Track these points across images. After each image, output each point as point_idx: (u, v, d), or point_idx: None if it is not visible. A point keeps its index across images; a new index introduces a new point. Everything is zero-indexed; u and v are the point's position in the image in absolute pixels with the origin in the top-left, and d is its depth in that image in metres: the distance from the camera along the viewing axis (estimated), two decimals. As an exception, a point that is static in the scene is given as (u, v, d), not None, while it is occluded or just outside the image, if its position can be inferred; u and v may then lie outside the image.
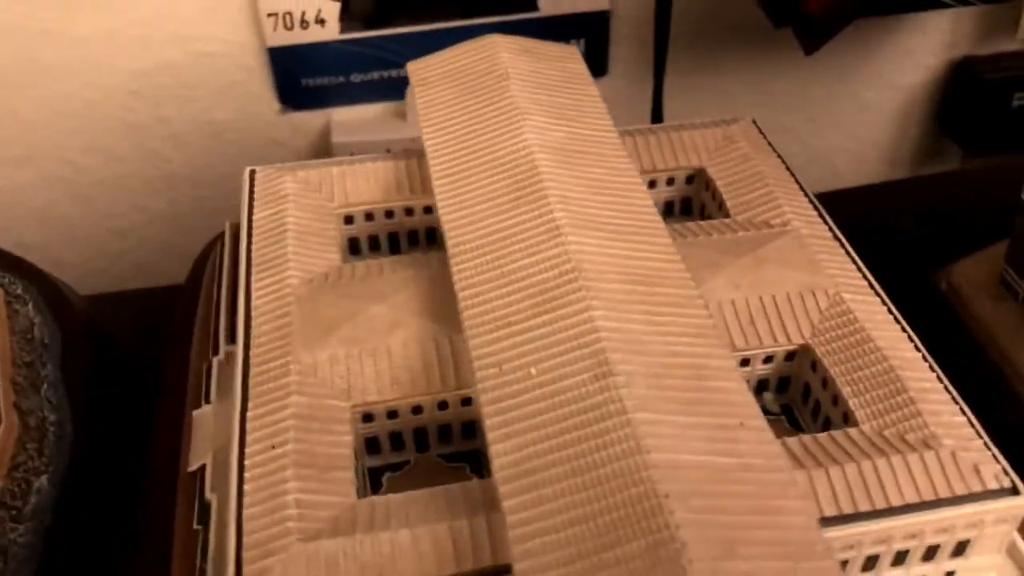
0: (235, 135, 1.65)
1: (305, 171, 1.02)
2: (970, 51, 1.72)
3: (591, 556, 0.61)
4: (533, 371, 0.73)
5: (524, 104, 0.97)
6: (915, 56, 1.72)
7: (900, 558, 0.74)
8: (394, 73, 1.61)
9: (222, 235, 1.17)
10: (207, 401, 0.94)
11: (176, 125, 1.62)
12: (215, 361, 0.96)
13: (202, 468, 0.88)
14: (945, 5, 1.53)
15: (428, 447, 0.85)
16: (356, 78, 1.61)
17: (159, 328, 1.16)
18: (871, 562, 0.73)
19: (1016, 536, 0.78)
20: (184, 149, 1.65)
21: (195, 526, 0.84)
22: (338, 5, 1.53)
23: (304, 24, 1.54)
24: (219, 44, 1.55)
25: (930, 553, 0.74)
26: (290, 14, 1.53)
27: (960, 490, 0.72)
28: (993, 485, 0.72)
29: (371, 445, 0.83)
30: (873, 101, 1.77)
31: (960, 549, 0.75)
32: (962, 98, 1.73)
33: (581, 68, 1.07)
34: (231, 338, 0.99)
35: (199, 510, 0.85)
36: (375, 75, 1.60)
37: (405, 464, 0.85)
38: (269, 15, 1.52)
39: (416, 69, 1.08)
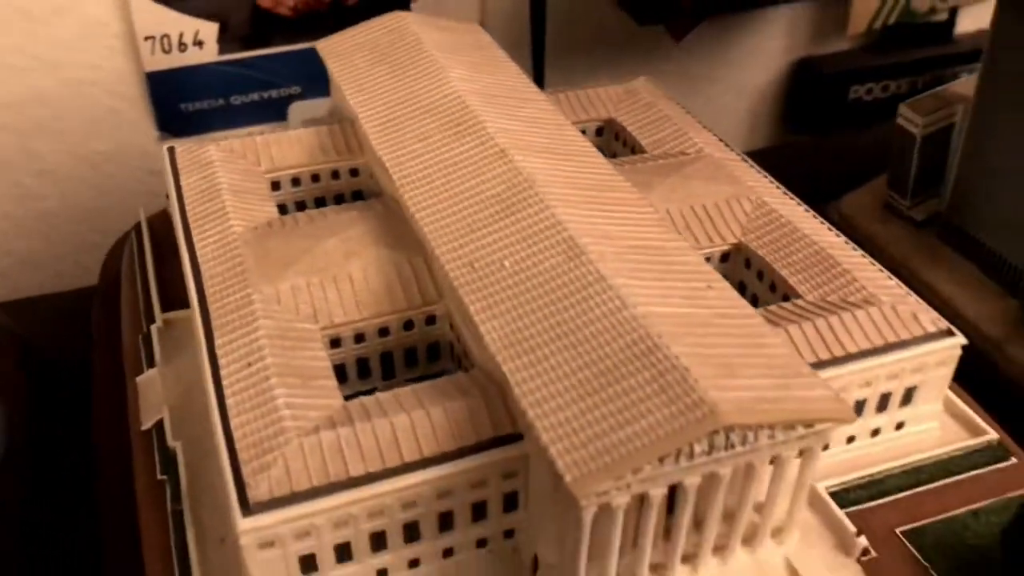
0: (113, 167, 1.61)
1: (227, 141, 1.02)
2: (808, 52, 1.88)
3: (599, 392, 0.64)
4: (507, 263, 0.76)
5: (442, 61, 1.01)
6: (760, 58, 1.86)
7: (858, 409, 0.79)
8: (274, 94, 1.62)
9: (132, 230, 1.15)
10: (150, 367, 0.91)
11: (49, 159, 1.57)
12: (153, 329, 0.94)
13: (158, 424, 0.85)
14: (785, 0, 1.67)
15: (394, 373, 0.85)
16: (236, 100, 1.60)
17: (70, 328, 1.12)
18: (833, 414, 0.79)
19: (950, 392, 0.85)
20: (58, 185, 1.59)
21: (159, 476, 0.81)
22: (216, 26, 1.54)
23: (182, 47, 1.54)
24: (94, 71, 1.51)
25: (883, 403, 0.80)
26: (168, 37, 1.52)
27: (904, 335, 0.78)
28: (932, 328, 0.79)
29: (338, 375, 0.83)
30: (726, 103, 1.90)
31: (908, 397, 0.81)
32: (804, 94, 1.88)
33: (487, 38, 1.12)
34: (166, 306, 0.97)
35: (161, 460, 0.82)
36: (255, 96, 1.61)
37: (372, 391, 0.84)
38: (146, 38, 1.51)
39: (325, 45, 1.11)
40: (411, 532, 0.70)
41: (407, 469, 0.67)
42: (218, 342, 0.77)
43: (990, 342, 0.98)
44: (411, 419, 0.69)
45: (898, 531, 0.76)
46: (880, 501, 0.78)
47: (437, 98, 0.96)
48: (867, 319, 0.79)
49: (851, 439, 0.81)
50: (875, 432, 0.82)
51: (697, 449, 0.61)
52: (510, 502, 0.72)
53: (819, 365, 0.75)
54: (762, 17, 1.80)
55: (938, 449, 0.82)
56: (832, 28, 1.87)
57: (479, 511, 0.71)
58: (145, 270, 1.01)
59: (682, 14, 1.38)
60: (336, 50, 1.09)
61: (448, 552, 0.72)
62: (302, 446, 0.67)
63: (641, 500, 0.63)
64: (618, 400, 0.63)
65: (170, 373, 0.90)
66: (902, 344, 0.78)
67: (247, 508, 0.65)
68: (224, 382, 0.73)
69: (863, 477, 0.79)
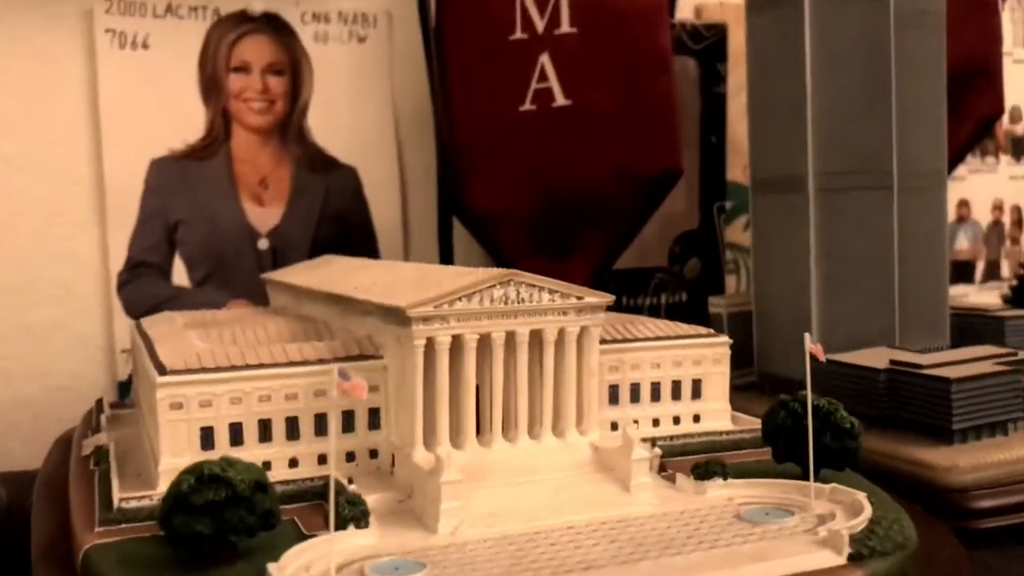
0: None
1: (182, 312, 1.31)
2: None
3: (428, 288, 0.89)
4: (376, 281, 1.03)
5: (350, 260, 1.35)
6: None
7: (655, 391, 1.01)
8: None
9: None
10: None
11: (24, 459, 1.76)
12: (103, 417, 1.14)
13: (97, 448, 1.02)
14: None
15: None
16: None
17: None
18: (636, 392, 1.00)
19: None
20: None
21: (91, 467, 0.97)
22: (183, 344, 1.86)
23: (152, 360, 1.84)
24: (74, 379, 1.76)
25: (676, 390, 1.02)
26: (140, 350, 1.83)
27: (680, 332, 1.03)
28: (703, 332, 1.04)
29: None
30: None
31: (697, 390, 1.03)
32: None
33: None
34: (114, 407, 1.18)
35: (94, 458, 0.98)
36: (210, 408, 1.87)
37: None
38: (123, 351, 1.81)
39: (268, 274, 1.44)
40: (292, 428, 0.88)
41: (290, 365, 0.88)
42: (158, 347, 1.00)
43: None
44: (299, 345, 0.92)
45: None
46: (680, 458, 0.96)
47: (342, 266, 1.28)
48: (653, 325, 1.04)
49: (656, 422, 1.01)
50: (676, 420, 1.02)
51: (496, 294, 0.85)
52: (374, 419, 0.91)
53: (616, 341, 1.00)
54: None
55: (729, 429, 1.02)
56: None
57: (348, 421, 0.90)
58: (101, 407, 1.23)
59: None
60: (275, 274, 1.42)
61: (322, 459, 0.89)
62: (212, 350, 0.89)
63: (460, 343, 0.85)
64: (439, 287, 0.88)
65: (111, 434, 1.09)
66: (678, 336, 1.03)
67: (163, 372, 0.85)
68: (155, 344, 0.96)
69: (666, 437, 0.98)
